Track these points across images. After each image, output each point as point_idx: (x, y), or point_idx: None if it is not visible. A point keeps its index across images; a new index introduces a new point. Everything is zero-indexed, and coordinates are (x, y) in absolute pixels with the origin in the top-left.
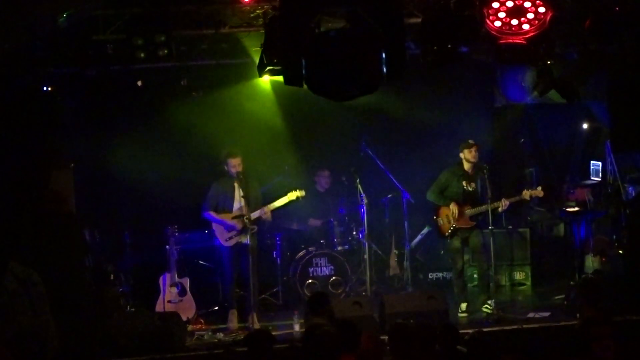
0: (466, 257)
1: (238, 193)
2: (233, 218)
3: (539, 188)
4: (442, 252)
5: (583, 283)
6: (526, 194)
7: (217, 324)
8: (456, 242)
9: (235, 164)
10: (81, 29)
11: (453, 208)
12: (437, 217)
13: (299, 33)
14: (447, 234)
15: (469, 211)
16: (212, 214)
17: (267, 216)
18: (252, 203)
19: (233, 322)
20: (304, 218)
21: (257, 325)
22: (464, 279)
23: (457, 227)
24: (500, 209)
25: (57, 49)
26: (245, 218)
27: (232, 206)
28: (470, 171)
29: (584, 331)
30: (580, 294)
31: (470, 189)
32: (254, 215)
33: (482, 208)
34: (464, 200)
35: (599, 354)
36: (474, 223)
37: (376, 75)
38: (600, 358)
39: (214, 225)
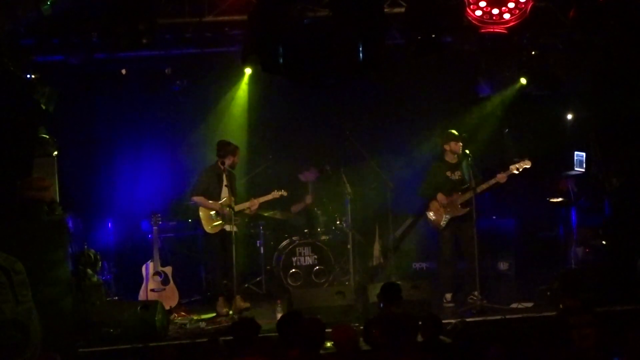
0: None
1: (224, 183)
2: (224, 206)
3: (526, 159)
4: (425, 242)
5: (565, 273)
6: (513, 167)
7: (199, 313)
8: (447, 232)
9: (236, 161)
10: (65, 17)
11: (440, 199)
12: (428, 212)
13: (278, 21)
14: (441, 225)
15: (459, 199)
16: (201, 199)
17: (255, 208)
18: (236, 194)
19: (222, 307)
20: (286, 207)
21: (245, 305)
22: (451, 269)
23: (450, 216)
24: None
25: (41, 37)
26: (229, 207)
27: (219, 195)
28: (452, 161)
29: (563, 320)
30: (562, 285)
31: (455, 177)
32: (241, 206)
33: (471, 193)
34: (451, 189)
35: (578, 342)
36: (467, 209)
37: (352, 64)
38: (580, 347)
39: (201, 212)
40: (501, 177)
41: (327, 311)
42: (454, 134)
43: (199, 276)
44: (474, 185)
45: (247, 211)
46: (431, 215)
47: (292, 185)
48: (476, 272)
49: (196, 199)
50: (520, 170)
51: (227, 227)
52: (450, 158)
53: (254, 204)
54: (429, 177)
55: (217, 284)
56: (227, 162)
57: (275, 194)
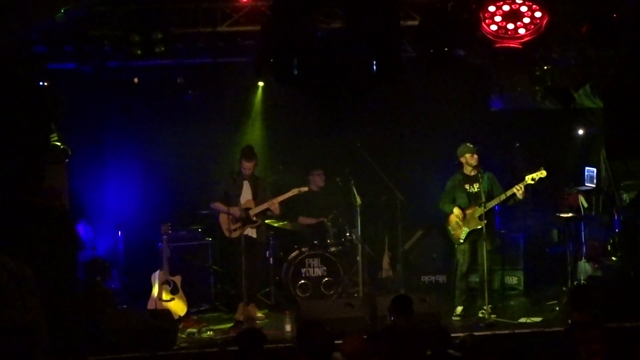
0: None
1: (247, 189)
2: (242, 210)
3: (541, 168)
4: (435, 255)
5: (574, 289)
6: (528, 178)
7: (208, 322)
8: (465, 245)
9: (247, 167)
10: (78, 24)
11: (457, 212)
12: (447, 226)
13: (292, 32)
14: (461, 238)
15: (477, 211)
16: (218, 204)
17: (275, 208)
18: (260, 201)
19: (242, 314)
20: (295, 217)
21: (259, 314)
22: (466, 282)
23: (469, 229)
24: (520, 194)
25: (54, 44)
26: (249, 211)
27: (239, 201)
28: (470, 173)
29: (570, 335)
30: (571, 300)
31: (474, 190)
32: (261, 207)
33: (491, 204)
34: (470, 202)
35: (586, 358)
36: (485, 222)
37: (366, 76)
38: None
39: (220, 217)
40: (518, 188)
41: (335, 323)
42: (468, 146)
43: (207, 285)
44: (484, 200)
45: (270, 213)
46: (450, 229)
47: (302, 196)
48: (485, 287)
49: (213, 205)
50: (536, 180)
51: (249, 233)
52: (468, 171)
53: (273, 203)
54: (447, 191)
55: (237, 290)
56: (240, 169)
57: (295, 190)
